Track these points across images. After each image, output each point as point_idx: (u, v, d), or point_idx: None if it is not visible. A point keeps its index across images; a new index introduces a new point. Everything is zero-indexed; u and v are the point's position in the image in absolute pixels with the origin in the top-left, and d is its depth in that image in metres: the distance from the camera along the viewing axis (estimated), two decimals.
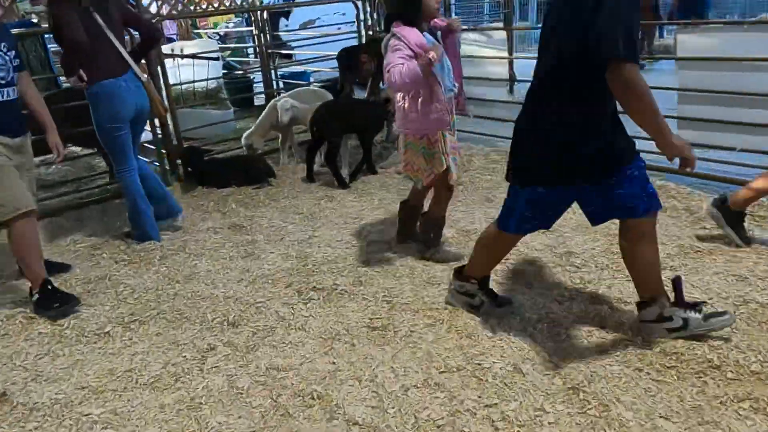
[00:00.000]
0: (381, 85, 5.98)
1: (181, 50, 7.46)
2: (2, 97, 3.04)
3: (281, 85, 8.48)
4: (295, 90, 5.99)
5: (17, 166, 3.14)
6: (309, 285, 3.27)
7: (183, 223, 4.34)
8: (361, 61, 5.20)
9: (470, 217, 4.10)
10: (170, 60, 7.16)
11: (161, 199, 4.22)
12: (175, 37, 10.21)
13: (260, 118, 5.55)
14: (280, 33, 8.35)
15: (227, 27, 11.21)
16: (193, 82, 7.12)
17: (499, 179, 4.79)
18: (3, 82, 3.04)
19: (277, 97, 5.71)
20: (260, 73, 8.35)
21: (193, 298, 3.25)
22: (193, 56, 7.10)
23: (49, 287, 3.16)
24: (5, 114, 3.07)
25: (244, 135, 5.62)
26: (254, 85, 8.70)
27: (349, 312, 2.97)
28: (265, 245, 3.91)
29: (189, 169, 5.24)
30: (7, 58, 3.06)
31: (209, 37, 10.57)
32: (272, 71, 8.36)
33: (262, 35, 8.04)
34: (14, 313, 3.21)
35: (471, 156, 5.45)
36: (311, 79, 8.20)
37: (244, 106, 8.37)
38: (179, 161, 5.30)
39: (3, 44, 3.06)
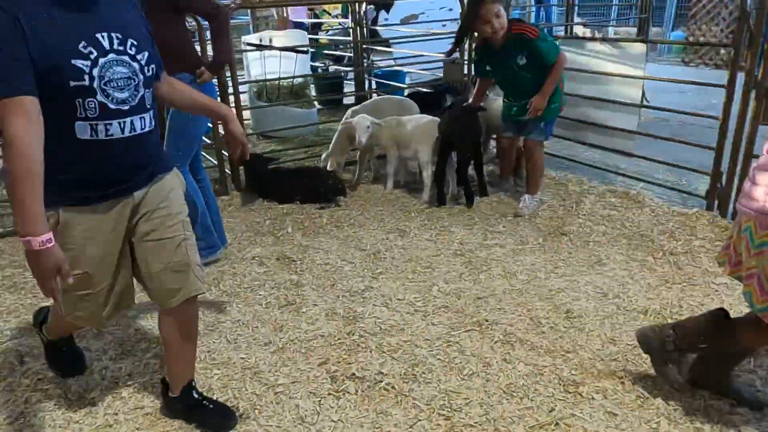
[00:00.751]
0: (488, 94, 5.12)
1: (270, 40, 6.96)
2: (122, 131, 1.73)
3: (374, 84, 7.80)
4: (372, 100, 5.25)
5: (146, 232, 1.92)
6: (348, 368, 2.51)
7: (225, 251, 3.72)
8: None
9: (572, 287, 3.15)
10: (256, 50, 6.69)
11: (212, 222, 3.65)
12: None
13: (335, 137, 4.86)
14: (378, 27, 7.66)
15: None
16: (279, 79, 6.59)
17: (616, 233, 3.77)
18: (126, 107, 1.72)
19: (350, 110, 4.98)
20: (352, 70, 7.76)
21: (205, 362, 2.60)
22: (265, 47, 6.56)
23: (64, 349, 2.50)
24: (129, 158, 1.80)
25: (323, 156, 4.97)
26: (345, 82, 8.08)
27: (391, 425, 2.18)
28: (311, 292, 3.20)
29: (250, 178, 4.65)
30: (135, 66, 1.74)
31: (340, 24, 10.09)
32: (366, 69, 7.72)
33: (358, 29, 7.40)
34: (11, 348, 2.73)
35: (581, 195, 4.44)
36: (407, 81, 7.42)
37: (332, 106, 7.79)
38: (241, 168, 4.73)
39: (130, 42, 1.73)
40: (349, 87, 8.12)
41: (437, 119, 4.49)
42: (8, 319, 3.02)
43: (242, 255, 3.70)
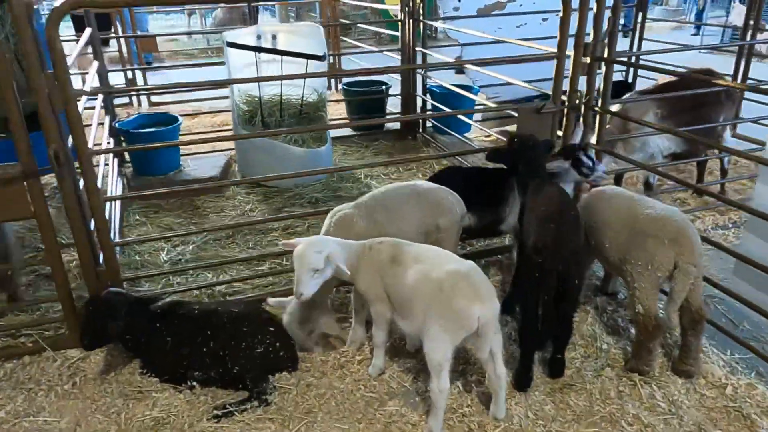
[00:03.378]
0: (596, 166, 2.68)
1: (273, 38, 4.71)
2: None
3: (428, 104, 5.35)
4: (374, 194, 2.71)
5: None
6: None
7: None
8: None
9: None
10: (242, 53, 4.46)
11: None
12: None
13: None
14: (441, 21, 5.18)
15: None
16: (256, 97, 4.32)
17: None
18: None
19: (333, 213, 2.59)
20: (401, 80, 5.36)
21: None
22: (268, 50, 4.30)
23: None
24: None
25: (285, 315, 2.59)
26: (389, 99, 5.69)
27: None
28: None
29: (101, 332, 2.43)
30: None
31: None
32: (419, 79, 5.31)
33: (411, 22, 4.97)
34: None
35: None
36: (477, 96, 4.90)
37: (369, 133, 5.45)
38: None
39: None
40: (395, 107, 5.74)
41: (474, 269, 2.07)
42: None
43: None
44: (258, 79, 4.26)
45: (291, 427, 2.18)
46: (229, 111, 5.65)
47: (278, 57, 4.53)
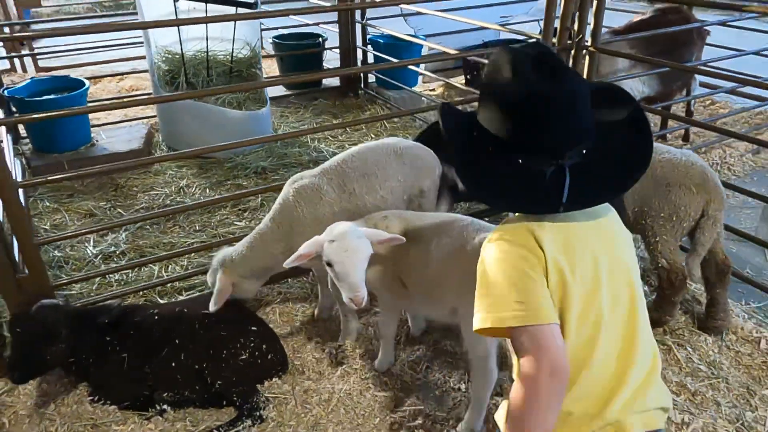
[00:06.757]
0: None
1: None
2: None
3: (370, 56, 4.89)
4: (348, 153, 2.10)
5: None
6: None
7: None
8: None
9: None
10: (159, 2, 3.77)
11: None
12: None
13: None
14: None
15: None
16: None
17: None
18: None
19: (296, 180, 2.14)
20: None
21: None
22: None
23: None
24: None
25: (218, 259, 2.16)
26: (325, 53, 5.16)
27: None
28: None
29: (36, 360, 1.89)
30: None
31: None
32: (358, 27, 4.82)
33: None
34: None
35: None
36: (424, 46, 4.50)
37: (304, 92, 4.92)
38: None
39: None
40: (333, 62, 5.22)
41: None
42: None
43: None
44: (177, 22, 3.56)
45: None
46: (137, 73, 4.98)
47: (201, 5, 3.90)
